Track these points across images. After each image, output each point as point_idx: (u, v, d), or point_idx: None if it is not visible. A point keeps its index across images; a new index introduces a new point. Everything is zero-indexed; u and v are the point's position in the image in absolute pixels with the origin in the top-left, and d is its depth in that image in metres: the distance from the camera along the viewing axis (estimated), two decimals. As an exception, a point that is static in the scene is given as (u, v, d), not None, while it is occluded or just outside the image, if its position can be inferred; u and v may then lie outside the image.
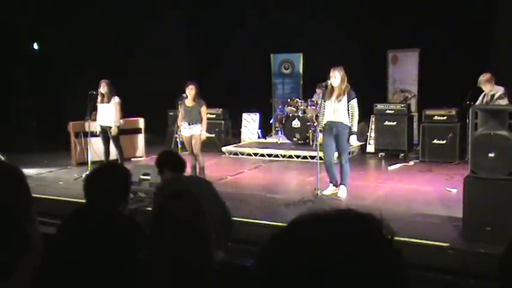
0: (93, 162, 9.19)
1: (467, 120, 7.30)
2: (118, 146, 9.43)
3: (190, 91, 8.43)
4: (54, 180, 9.25)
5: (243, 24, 13.61)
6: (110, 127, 9.21)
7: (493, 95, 8.16)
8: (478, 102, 8.29)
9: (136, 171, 7.44)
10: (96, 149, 9.73)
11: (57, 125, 11.28)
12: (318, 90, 11.25)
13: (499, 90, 8.12)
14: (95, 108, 9.39)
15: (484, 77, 8.26)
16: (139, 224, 2.74)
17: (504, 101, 7.96)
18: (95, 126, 9.49)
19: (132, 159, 11.02)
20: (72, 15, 12.68)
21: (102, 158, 9.46)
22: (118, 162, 8.63)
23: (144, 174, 7.49)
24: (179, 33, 14.41)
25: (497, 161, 5.13)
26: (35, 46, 13.61)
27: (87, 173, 8.20)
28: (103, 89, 9.17)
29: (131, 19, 13.36)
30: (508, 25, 10.33)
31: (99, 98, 9.22)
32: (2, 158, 8.56)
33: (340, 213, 0.97)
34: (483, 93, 8.39)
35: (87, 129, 9.43)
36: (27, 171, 8.76)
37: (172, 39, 14.06)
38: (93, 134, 9.60)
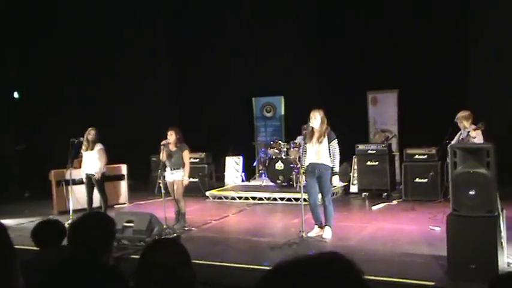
0: (74, 211, 9.09)
1: (447, 159, 7.30)
2: (103, 193, 9.22)
3: (171, 136, 8.44)
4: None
5: (225, 69, 13.77)
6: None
7: (469, 132, 8.15)
8: (454, 141, 8.28)
9: (120, 218, 7.37)
10: (78, 197, 9.63)
11: (38, 173, 11.18)
12: (304, 132, 11.28)
13: None
14: (76, 156, 9.30)
15: (462, 114, 8.08)
16: (123, 274, 2.71)
17: (478, 133, 7.53)
18: (76, 174, 9.40)
19: (116, 206, 10.91)
20: (53, 65, 12.76)
21: (85, 206, 9.31)
22: (102, 211, 8.53)
23: (128, 222, 7.43)
24: (162, 79, 14.53)
25: (478, 199, 5.19)
26: (15, 95, 13.63)
27: (70, 222, 8.10)
28: (89, 136, 9.03)
29: (113, 65, 13.47)
30: (485, 63, 10.61)
31: (84, 145, 9.05)
32: None
33: (312, 259, 1.06)
34: (459, 132, 8.41)
35: (68, 177, 9.33)
36: (8, 221, 8.63)
37: (155, 84, 14.16)
38: (75, 182, 9.50)
